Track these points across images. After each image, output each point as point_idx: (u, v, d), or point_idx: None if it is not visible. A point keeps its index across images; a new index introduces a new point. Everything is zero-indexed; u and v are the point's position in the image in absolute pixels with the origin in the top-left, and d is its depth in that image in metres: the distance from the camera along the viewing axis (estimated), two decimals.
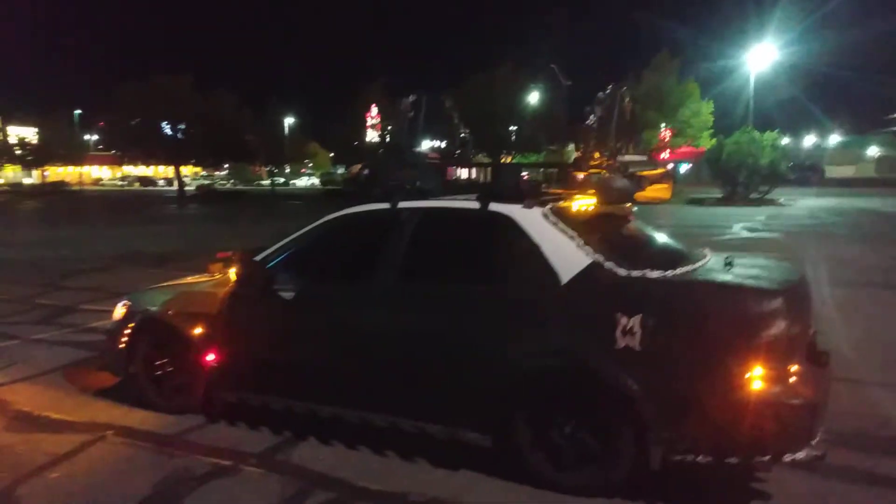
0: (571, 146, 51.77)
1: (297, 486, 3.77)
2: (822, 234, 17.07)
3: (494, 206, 4.03)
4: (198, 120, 50.01)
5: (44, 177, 72.59)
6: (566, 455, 3.58)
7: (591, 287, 3.54)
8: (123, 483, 3.84)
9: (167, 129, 52.25)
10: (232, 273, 4.70)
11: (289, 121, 66.78)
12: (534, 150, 56.44)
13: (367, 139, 50.51)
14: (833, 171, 60.24)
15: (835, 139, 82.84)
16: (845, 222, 20.24)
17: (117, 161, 68.03)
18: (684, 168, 63.61)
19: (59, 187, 67.70)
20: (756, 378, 3.16)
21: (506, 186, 4.29)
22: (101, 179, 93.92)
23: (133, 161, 64.67)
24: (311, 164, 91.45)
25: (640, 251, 4.05)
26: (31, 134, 65.17)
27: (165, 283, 5.45)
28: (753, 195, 31.31)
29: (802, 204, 29.30)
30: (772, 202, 30.26)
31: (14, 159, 66.23)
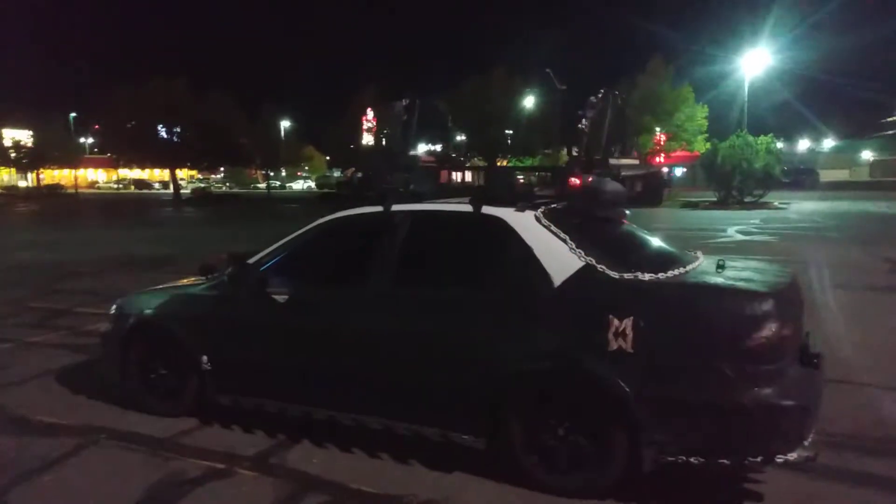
0: (565, 150, 51.87)
1: (291, 488, 3.77)
2: (816, 238, 17.13)
3: (487, 210, 4.05)
4: (193, 123, 50.00)
5: (39, 180, 72.47)
6: (559, 457, 3.59)
7: (583, 290, 3.56)
8: (117, 486, 3.83)
9: (163, 133, 52.24)
10: (226, 276, 4.70)
11: (285, 124, 66.78)
12: (529, 154, 56.57)
13: (364, 142, 50.51)
14: (827, 175, 60.44)
15: (829, 143, 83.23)
16: (839, 225, 20.31)
17: (113, 164, 68.06)
18: (679, 172, 63.82)
19: (54, 190, 67.66)
20: (748, 380, 3.18)
21: (499, 189, 4.30)
22: (96, 182, 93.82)
23: (128, 164, 64.56)
24: (307, 168, 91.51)
25: (633, 254, 4.07)
26: (25, 137, 65.04)
27: (159, 286, 5.44)
28: (748, 199, 31.42)
29: (797, 207, 29.41)
30: (766, 205, 30.36)
31: (9, 162, 66.16)
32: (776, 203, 31.13)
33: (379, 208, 4.40)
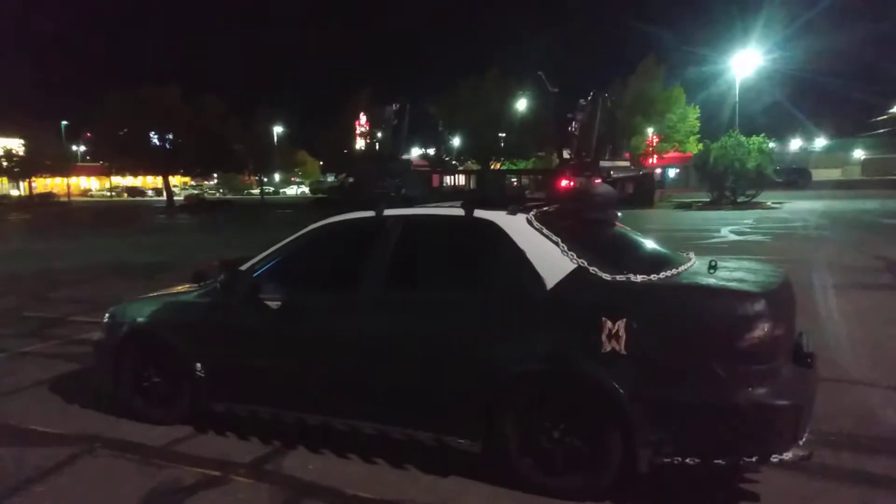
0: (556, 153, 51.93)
1: (287, 495, 3.76)
2: (809, 237, 17.21)
3: (479, 213, 4.05)
4: (186, 129, 49.91)
5: (31, 189, 72.23)
6: (554, 459, 3.59)
7: (576, 292, 3.56)
8: (111, 495, 3.82)
9: (155, 139, 52.13)
10: (219, 283, 4.69)
11: (278, 129, 66.73)
12: (522, 157, 56.63)
13: (357, 147, 50.54)
14: (820, 175, 60.74)
15: (821, 142, 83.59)
16: (832, 224, 20.40)
17: (105, 172, 67.86)
18: (672, 173, 63.99)
19: (46, 199, 67.38)
20: (742, 380, 3.19)
21: (490, 193, 4.31)
22: (89, 190, 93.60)
23: (121, 171, 64.51)
24: (300, 173, 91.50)
25: (625, 255, 4.08)
26: (17, 145, 64.79)
27: (152, 294, 5.43)
28: (741, 199, 31.57)
29: (790, 207, 29.52)
30: (759, 205, 30.49)
31: (1, 171, 65.82)
32: (769, 203, 31.27)
33: (371, 213, 4.40)
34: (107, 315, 5.25)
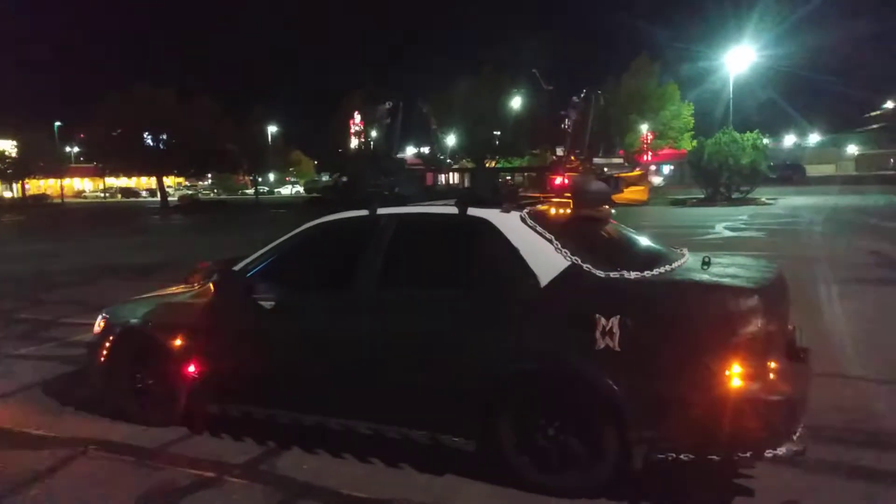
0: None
1: (282, 496, 3.76)
2: (803, 232, 17.26)
3: (473, 211, 4.05)
4: (180, 130, 49.77)
5: (24, 190, 71.98)
6: (550, 457, 3.59)
7: (570, 289, 3.56)
8: (106, 498, 3.80)
9: (149, 140, 51.97)
10: (212, 283, 4.67)
11: (272, 129, 66.54)
12: (517, 155, 56.67)
13: (351, 146, 50.48)
14: (814, 170, 60.92)
15: (814, 138, 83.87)
16: (826, 220, 20.45)
17: (99, 173, 67.59)
18: (667, 170, 64.13)
19: (40, 200, 67.16)
20: (735, 375, 3.19)
21: (484, 191, 4.30)
22: (83, 192, 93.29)
23: (115, 172, 64.30)
24: (295, 172, 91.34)
25: (619, 252, 4.08)
26: (10, 147, 64.57)
27: (146, 295, 5.41)
28: (735, 195, 31.59)
29: (784, 203, 29.60)
30: (754, 201, 30.54)
31: None
32: (763, 199, 31.32)
33: (364, 212, 4.39)
34: (100, 316, 5.23)
